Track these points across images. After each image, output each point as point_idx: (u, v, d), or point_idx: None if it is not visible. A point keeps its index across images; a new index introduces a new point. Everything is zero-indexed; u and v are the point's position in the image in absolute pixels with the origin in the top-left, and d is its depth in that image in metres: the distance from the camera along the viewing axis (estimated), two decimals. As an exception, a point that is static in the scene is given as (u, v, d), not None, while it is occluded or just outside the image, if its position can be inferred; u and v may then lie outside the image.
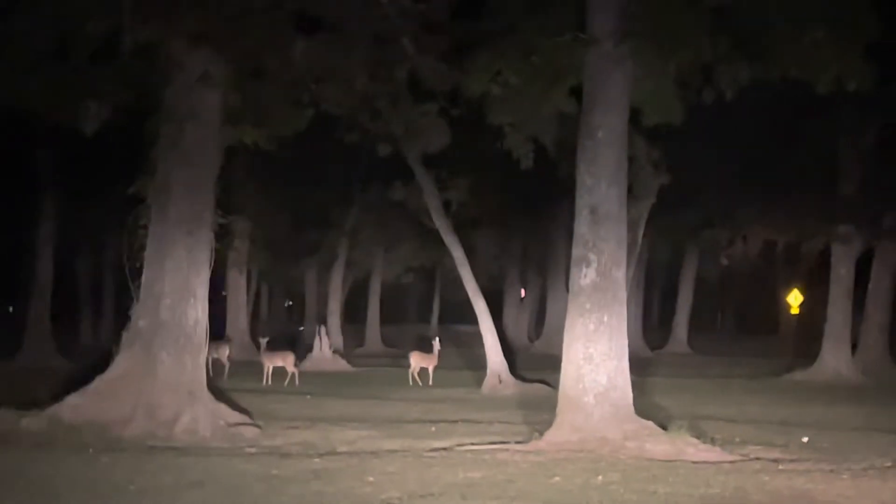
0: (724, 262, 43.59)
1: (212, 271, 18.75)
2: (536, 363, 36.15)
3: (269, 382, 29.37)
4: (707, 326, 68.22)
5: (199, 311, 18.26)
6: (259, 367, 30.26)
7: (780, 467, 14.30)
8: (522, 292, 59.54)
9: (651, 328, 55.86)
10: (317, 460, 14.62)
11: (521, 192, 39.83)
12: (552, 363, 34.88)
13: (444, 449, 16.02)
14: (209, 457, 14.87)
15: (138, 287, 18.50)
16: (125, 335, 18.42)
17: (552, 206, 42.16)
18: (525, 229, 49.57)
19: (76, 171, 34.89)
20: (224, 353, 31.85)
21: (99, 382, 17.99)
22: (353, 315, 56.58)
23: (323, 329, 37.54)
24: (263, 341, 32.07)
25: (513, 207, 43.50)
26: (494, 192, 38.29)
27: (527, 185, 36.63)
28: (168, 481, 12.78)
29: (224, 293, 44.74)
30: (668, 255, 53.32)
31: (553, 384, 26.86)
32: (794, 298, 64.67)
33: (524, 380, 28.72)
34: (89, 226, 42.91)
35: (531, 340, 54.19)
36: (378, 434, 18.07)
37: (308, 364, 35.30)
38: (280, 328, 58.13)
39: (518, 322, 56.67)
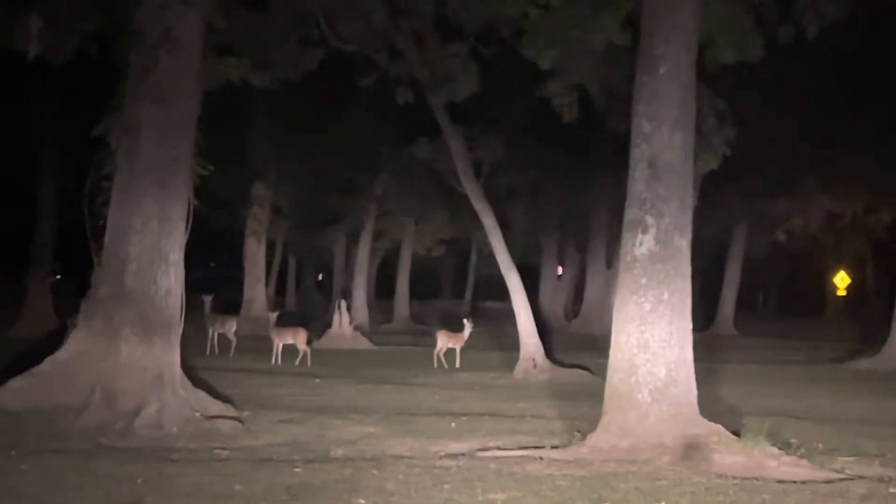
0: (782, 237, 40.12)
1: (189, 232, 15.66)
2: (574, 345, 33.47)
3: (279, 362, 26.61)
4: (748, 307, 64.81)
5: (171, 280, 15.19)
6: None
7: (893, 490, 11.11)
8: (559, 269, 56.45)
9: (693, 308, 52.33)
10: (298, 470, 11.51)
11: (559, 158, 36.71)
12: (591, 345, 32.45)
13: (463, 455, 12.90)
14: (163, 462, 11.80)
15: (100, 249, 15.46)
16: (84, 306, 15.41)
17: (592, 174, 38.95)
18: (563, 200, 46.32)
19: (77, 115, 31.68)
20: (231, 327, 29.26)
21: (50, 363, 15.03)
22: (385, 290, 53.63)
23: (343, 304, 34.53)
24: (273, 316, 29.08)
25: (550, 174, 40.31)
26: (530, 156, 35.13)
27: (566, 148, 33.61)
28: (89, 501, 9.77)
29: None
30: (713, 227, 49.85)
31: (593, 370, 24.12)
32: (841, 280, 61.94)
33: (561, 364, 25.73)
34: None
35: (568, 319, 51.22)
36: (385, 431, 14.99)
37: (326, 341, 32.75)
38: (309, 302, 55.69)
39: (555, 300, 53.55)
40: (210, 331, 29.17)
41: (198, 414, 14.71)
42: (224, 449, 13.12)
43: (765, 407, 18.97)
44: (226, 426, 14.53)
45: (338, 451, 13.23)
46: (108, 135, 15.54)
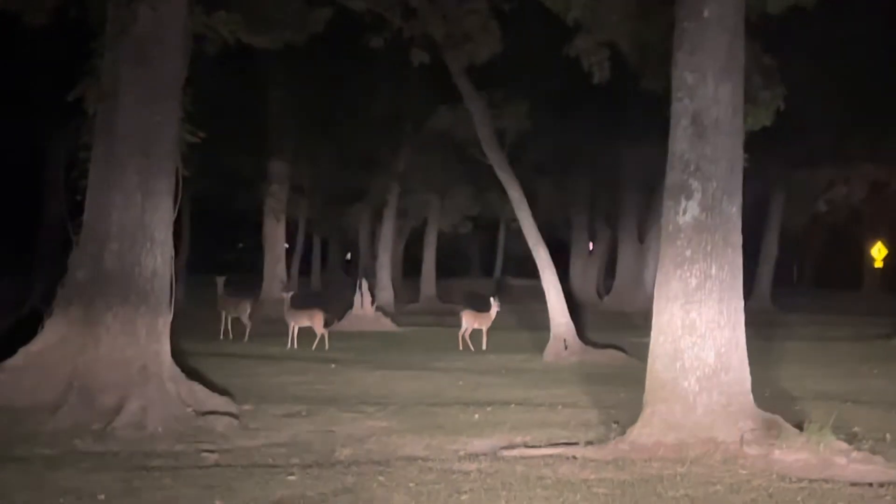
0: (823, 207, 38.29)
1: (178, 207, 14.08)
2: (607, 323, 31.98)
3: (295, 346, 25.10)
4: (783, 281, 62.85)
5: (157, 260, 13.53)
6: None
7: None
8: (590, 244, 54.77)
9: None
10: (293, 478, 9.92)
11: (588, 125, 34.99)
12: (625, 323, 30.86)
13: (485, 455, 11.30)
14: (136, 470, 10.17)
15: (78, 227, 13.89)
16: (60, 291, 13.82)
17: (623, 142, 37.24)
18: (592, 171, 44.56)
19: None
20: (245, 311, 27.68)
21: (23, 355, 13.42)
22: (413, 269, 52.20)
23: (364, 284, 32.96)
24: (287, 297, 27.49)
25: (578, 144, 38.55)
26: (557, 124, 33.45)
27: (595, 114, 31.92)
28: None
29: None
30: (749, 197, 47.75)
31: (629, 350, 22.54)
32: (878, 251, 60.01)
33: (594, 345, 24.06)
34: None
35: (600, 297, 49.59)
36: (400, 426, 13.44)
37: (346, 323, 31.23)
38: (335, 283, 54.31)
39: (586, 276, 51.86)
40: (223, 314, 27.75)
41: (189, 410, 13.19)
42: (213, 451, 11.54)
43: (816, 390, 17.44)
44: (220, 423, 12.95)
45: (343, 453, 11.66)
46: (84, 100, 13.96)
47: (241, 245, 74.77)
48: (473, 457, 11.18)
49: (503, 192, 25.04)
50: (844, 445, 11.03)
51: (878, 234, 58.63)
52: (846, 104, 28.27)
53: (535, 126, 27.53)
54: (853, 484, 9.79)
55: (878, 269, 61.43)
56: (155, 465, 10.56)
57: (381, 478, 9.95)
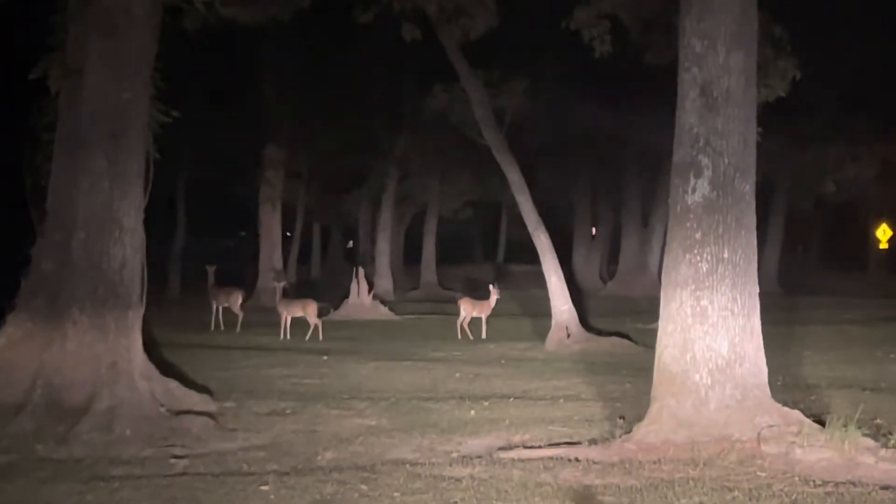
0: (831, 188, 37.42)
1: (148, 194, 13.13)
2: (611, 309, 31.17)
3: (287, 337, 24.35)
4: (788, 263, 61.98)
5: (127, 249, 12.56)
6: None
7: None
8: (593, 229, 53.95)
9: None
10: (266, 488, 9.02)
11: (588, 104, 34.16)
12: (629, 308, 30.00)
13: (479, 457, 10.37)
14: (95, 481, 9.27)
15: (42, 215, 12.98)
16: (24, 283, 12.90)
17: (624, 121, 36.36)
18: (594, 153, 43.65)
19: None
20: (236, 301, 26.90)
21: (-18, 352, 12.54)
22: (415, 255, 51.46)
23: (361, 271, 32.08)
24: (279, 286, 26.67)
25: (579, 124, 37.68)
26: (557, 103, 32.59)
27: (595, 93, 31.10)
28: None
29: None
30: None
31: (633, 337, 21.70)
32: (883, 233, 59.27)
33: (598, 332, 23.19)
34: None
35: (604, 282, 48.83)
36: (390, 424, 12.57)
37: (343, 312, 30.39)
38: (335, 271, 53.61)
39: (589, 262, 51.07)
40: (213, 304, 26.96)
41: (163, 409, 12.27)
42: (184, 457, 10.63)
43: (832, 376, 16.67)
44: (195, 424, 12.02)
45: (325, 456, 10.77)
46: (47, 77, 13.02)
47: (242, 234, 74.05)
48: (467, 460, 10.29)
49: (504, 175, 24.19)
50: (871, 443, 10.15)
51: (883, 215, 57.95)
52: (856, 78, 27.42)
53: (535, 106, 26.64)
54: (884, 487, 8.90)
55: (883, 250, 60.83)
56: (116, 475, 9.65)
57: (363, 486, 9.07)
